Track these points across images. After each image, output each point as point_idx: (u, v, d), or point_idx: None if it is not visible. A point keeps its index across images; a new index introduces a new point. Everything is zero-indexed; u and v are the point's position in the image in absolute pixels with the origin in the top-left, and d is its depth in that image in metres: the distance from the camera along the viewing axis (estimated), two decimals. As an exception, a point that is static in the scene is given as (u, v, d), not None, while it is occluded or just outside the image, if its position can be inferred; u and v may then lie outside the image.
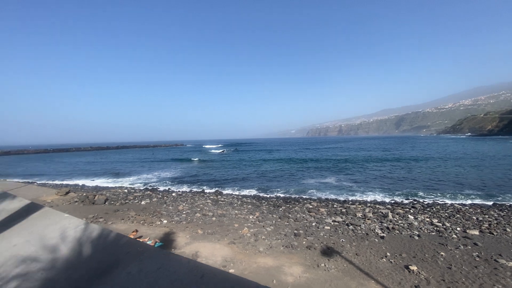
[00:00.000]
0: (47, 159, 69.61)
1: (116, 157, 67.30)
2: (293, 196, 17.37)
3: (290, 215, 10.80)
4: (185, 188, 21.27)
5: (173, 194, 16.10)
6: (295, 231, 8.50)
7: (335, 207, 12.86)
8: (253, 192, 19.33)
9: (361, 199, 15.66)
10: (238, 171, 33.15)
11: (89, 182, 26.69)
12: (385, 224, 9.38)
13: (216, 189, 20.61)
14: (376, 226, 9.17)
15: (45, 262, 1.17)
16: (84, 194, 13.51)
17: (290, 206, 12.99)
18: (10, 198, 2.47)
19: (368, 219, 10.05)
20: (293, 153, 62.86)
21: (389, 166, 32.11)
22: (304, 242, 7.51)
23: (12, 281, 1.08)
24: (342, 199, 15.96)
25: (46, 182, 26.26)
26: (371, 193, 17.87)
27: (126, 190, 18.30)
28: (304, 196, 17.30)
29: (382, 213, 11.07)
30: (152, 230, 8.25)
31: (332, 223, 9.45)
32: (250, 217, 10.43)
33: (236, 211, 11.33)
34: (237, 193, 19.13)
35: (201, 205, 12.66)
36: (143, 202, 13.03)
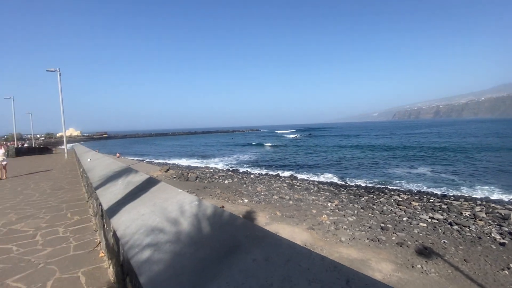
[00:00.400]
0: (151, 142, 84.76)
1: (203, 141, 76.01)
2: (376, 186, 15.80)
3: (374, 207, 9.85)
4: (261, 171, 22.22)
5: (251, 176, 17.03)
6: (382, 225, 7.69)
7: (432, 202, 11.01)
8: (329, 179, 18.55)
9: (467, 195, 12.91)
10: (311, 157, 32.37)
11: (183, 162, 31.12)
12: (506, 229, 7.45)
13: (291, 173, 20.72)
14: (493, 229, 7.37)
15: (170, 234, 1.28)
16: (180, 172, 15.80)
17: (374, 197, 11.85)
18: (134, 172, 3.02)
19: (480, 220, 8.18)
20: (375, 139, 56.89)
21: (510, 157, 25.21)
22: (393, 238, 6.72)
23: (145, 250, 1.21)
24: (439, 193, 13.55)
25: (151, 161, 32.05)
26: (481, 188, 14.51)
27: (211, 170, 20.49)
28: (389, 187, 15.51)
29: (501, 214, 8.81)
30: (235, 208, 8.96)
31: (429, 220, 8.11)
32: (329, 204, 10.04)
33: (313, 197, 11.11)
34: (312, 179, 18.75)
35: (278, 188, 12.95)
36: (226, 182, 14.30)
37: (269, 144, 51.40)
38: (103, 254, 3.07)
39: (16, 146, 29.10)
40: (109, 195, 2.51)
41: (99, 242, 3.40)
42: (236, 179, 15.23)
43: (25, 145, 32.91)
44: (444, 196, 12.65)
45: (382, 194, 12.63)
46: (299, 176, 19.55)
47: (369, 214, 8.81)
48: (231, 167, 24.64)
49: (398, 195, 12.58)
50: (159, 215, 1.61)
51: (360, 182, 17.10)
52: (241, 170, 22.93)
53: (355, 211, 9.17)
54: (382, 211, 9.30)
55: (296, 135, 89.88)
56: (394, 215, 8.85)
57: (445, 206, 9.88)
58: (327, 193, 12.37)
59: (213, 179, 15.13)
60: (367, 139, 58.21)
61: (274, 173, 20.56)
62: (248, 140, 71.25)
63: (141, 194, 2.17)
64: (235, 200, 10.09)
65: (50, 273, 2.84)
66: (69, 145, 23.07)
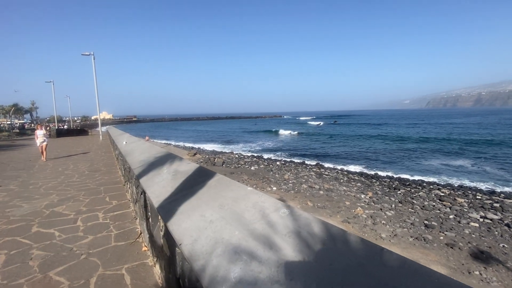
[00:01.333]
0: (176, 126, 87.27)
1: (226, 127, 76.69)
2: (411, 179, 14.75)
3: (414, 201, 9.08)
4: (285, 158, 21.79)
5: (277, 163, 16.68)
6: (426, 222, 7.02)
7: (479, 198, 9.95)
8: (357, 169, 17.67)
9: (522, 193, 11.54)
10: (337, 145, 31.16)
11: (208, 146, 31.54)
12: None
13: (317, 162, 20.07)
14: (561, 235, 6.41)
15: (270, 266, 0.86)
16: (207, 156, 15.87)
17: (412, 190, 10.99)
18: (178, 159, 2.74)
19: (544, 223, 7.18)
20: (406, 128, 53.46)
21: None
22: (441, 238, 6.07)
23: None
24: (484, 188, 12.30)
25: (178, 144, 32.88)
26: (540, 187, 12.92)
27: (236, 156, 20.45)
28: (426, 180, 14.39)
29: None
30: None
31: (481, 220, 7.26)
32: (362, 196, 9.44)
33: (344, 188, 10.54)
34: (339, 168, 18.00)
35: (306, 177, 12.49)
36: (252, 168, 14.11)
37: (292, 132, 50.39)
38: (146, 249, 2.91)
39: (57, 128, 31.22)
40: (156, 187, 2.21)
41: (140, 233, 3.27)
42: (262, 166, 14.98)
43: (65, 127, 35.23)
44: (492, 193, 11.41)
45: (420, 188, 11.68)
46: (326, 164, 18.87)
47: (409, 209, 8.12)
48: (255, 153, 24.47)
49: (439, 189, 11.57)
50: (236, 226, 1.22)
51: (392, 174, 16.07)
52: (265, 156, 22.66)
53: (393, 205, 8.51)
54: (423, 206, 8.53)
55: (320, 122, 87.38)
56: (438, 211, 8.08)
57: (497, 205, 8.83)
58: (359, 184, 11.70)
59: (239, 165, 15.01)
60: (397, 128, 54.89)
61: (299, 161, 20.04)
62: (271, 127, 70.59)
63: (198, 189, 1.83)
64: (263, 188, 9.85)
65: (93, 267, 2.72)
66: (103, 128, 24.22)
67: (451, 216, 7.54)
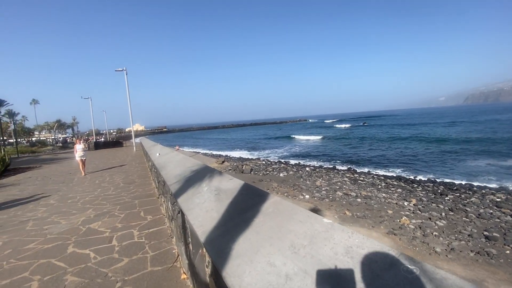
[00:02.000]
0: (204, 134, 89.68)
1: (251, 133, 77.13)
2: (457, 183, 13.42)
3: (467, 208, 8.13)
4: (314, 163, 21.12)
5: (307, 168, 16.17)
6: (486, 233, 6.18)
7: (547, 205, 8.64)
8: (394, 173, 16.51)
9: None
10: (368, 149, 29.61)
11: (234, 154, 31.78)
12: None
13: (349, 166, 19.17)
14: None
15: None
16: (235, 164, 15.86)
17: (461, 196, 9.92)
18: (218, 174, 2.50)
19: None
20: (444, 127, 49.53)
21: None
22: (508, 252, 5.27)
23: None
24: (553, 194, 10.69)
25: (206, 152, 33.56)
26: None
27: (263, 162, 20.25)
28: (476, 184, 12.99)
29: None
30: (297, 204, 8.35)
31: (556, 232, 6.23)
32: (405, 203, 8.67)
33: (383, 194, 9.80)
34: (374, 172, 16.98)
35: (339, 183, 11.88)
36: (281, 175, 13.78)
37: (319, 136, 49.13)
38: (185, 277, 2.68)
39: (95, 140, 33.57)
40: (197, 210, 1.96)
41: (178, 256, 3.13)
42: (291, 172, 14.58)
43: (102, 139, 37.78)
44: (560, 198, 9.90)
45: (471, 193, 10.51)
46: (359, 169, 17.93)
47: (463, 218, 7.25)
48: (282, 159, 24.08)
49: (493, 194, 10.32)
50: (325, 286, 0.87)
51: (434, 178, 14.75)
52: (292, 162, 22.18)
53: (443, 214, 7.67)
54: (479, 214, 7.59)
55: (348, 124, 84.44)
56: (498, 220, 7.11)
57: None
58: (399, 190, 10.83)
59: (267, 172, 14.77)
60: (434, 127, 51.07)
61: (329, 166, 19.30)
62: (297, 132, 69.65)
63: (252, 217, 1.50)
64: (295, 196, 9.48)
65: (129, 300, 2.58)
66: (136, 139, 25.48)
67: (516, 226, 6.58)
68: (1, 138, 44.48)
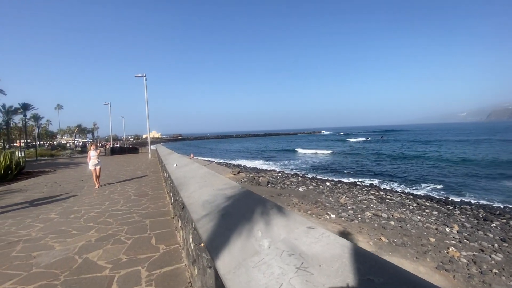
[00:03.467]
0: (217, 143, 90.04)
1: (264, 144, 76.56)
2: (495, 205, 12.09)
3: (524, 240, 6.99)
4: (333, 177, 20.05)
5: (327, 183, 15.21)
6: (560, 274, 5.10)
7: None
8: (422, 191, 15.22)
9: None
10: (389, 163, 28.09)
11: (249, 163, 31.15)
12: None
13: (371, 182, 18.00)
14: None
15: None
16: (251, 175, 15.18)
17: (510, 223, 8.69)
18: (270, 206, 1.74)
19: None
20: (468, 145, 46.68)
21: None
22: None
23: None
24: None
25: (220, 161, 33.12)
26: None
27: (280, 174, 19.44)
28: (520, 208, 11.58)
29: None
30: (323, 225, 7.50)
31: None
32: (447, 230, 7.61)
33: (418, 217, 8.74)
34: (398, 189, 15.77)
35: (365, 201, 10.89)
36: (300, 189, 12.93)
37: (333, 149, 47.70)
38: None
39: (112, 146, 34.04)
40: None
41: None
42: (311, 187, 13.68)
43: (117, 145, 38.32)
44: None
45: (520, 220, 9.24)
46: (382, 186, 16.76)
47: (523, 253, 6.15)
48: (299, 172, 23.15)
49: (548, 222, 9.00)
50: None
51: (469, 199, 13.38)
52: (309, 175, 21.21)
53: (495, 245, 6.59)
54: (541, 248, 6.44)
55: (365, 137, 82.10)
56: None
57: None
58: (435, 212, 9.72)
59: (285, 185, 13.95)
60: (457, 144, 48.33)
61: (349, 181, 18.22)
62: (313, 143, 68.45)
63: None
64: (319, 215, 8.62)
65: None
66: (152, 146, 25.45)
67: None
68: (25, 141, 46.27)
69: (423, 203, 11.45)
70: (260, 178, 14.35)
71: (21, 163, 13.43)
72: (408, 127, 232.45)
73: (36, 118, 53.16)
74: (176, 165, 5.11)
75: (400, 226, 7.66)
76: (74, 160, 23.05)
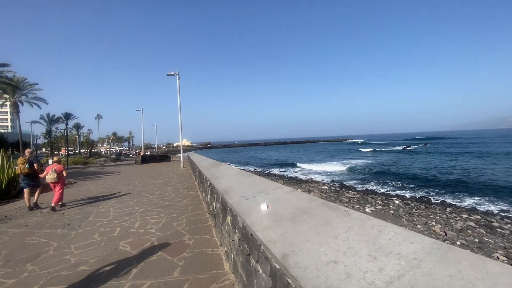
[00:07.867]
0: (247, 151, 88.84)
1: (295, 151, 73.52)
2: None
3: None
4: (382, 189, 16.91)
5: (396, 201, 12.22)
6: None
7: None
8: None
9: None
10: (450, 174, 23.70)
11: (283, 172, 28.69)
12: None
13: (442, 199, 14.54)
14: None
15: None
16: (298, 188, 12.76)
17: None
18: None
19: None
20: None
21: None
22: None
23: None
24: None
25: (252, 169, 31.15)
26: None
27: (326, 187, 16.72)
28: None
29: None
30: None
31: None
32: None
33: None
34: (491, 210, 12.25)
35: (469, 231, 7.92)
36: (367, 209, 10.23)
37: (381, 156, 43.30)
38: None
39: (142, 154, 33.73)
40: None
41: None
42: (379, 206, 10.90)
43: (148, 153, 38.17)
44: None
45: None
46: (452, 202, 13.41)
47: None
48: (338, 182, 20.16)
49: None
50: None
51: None
52: (359, 187, 18.18)
53: None
54: None
55: (405, 146, 75.30)
56: None
57: None
58: None
59: (343, 203, 11.33)
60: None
61: (409, 195, 15.02)
62: (344, 152, 64.10)
63: None
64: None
65: None
66: (184, 154, 24.22)
67: None
68: (66, 149, 48.68)
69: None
70: (312, 194, 11.89)
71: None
72: (448, 134, 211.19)
73: (77, 127, 56.21)
74: (268, 206, 2.17)
75: None
76: (103, 169, 22.20)
